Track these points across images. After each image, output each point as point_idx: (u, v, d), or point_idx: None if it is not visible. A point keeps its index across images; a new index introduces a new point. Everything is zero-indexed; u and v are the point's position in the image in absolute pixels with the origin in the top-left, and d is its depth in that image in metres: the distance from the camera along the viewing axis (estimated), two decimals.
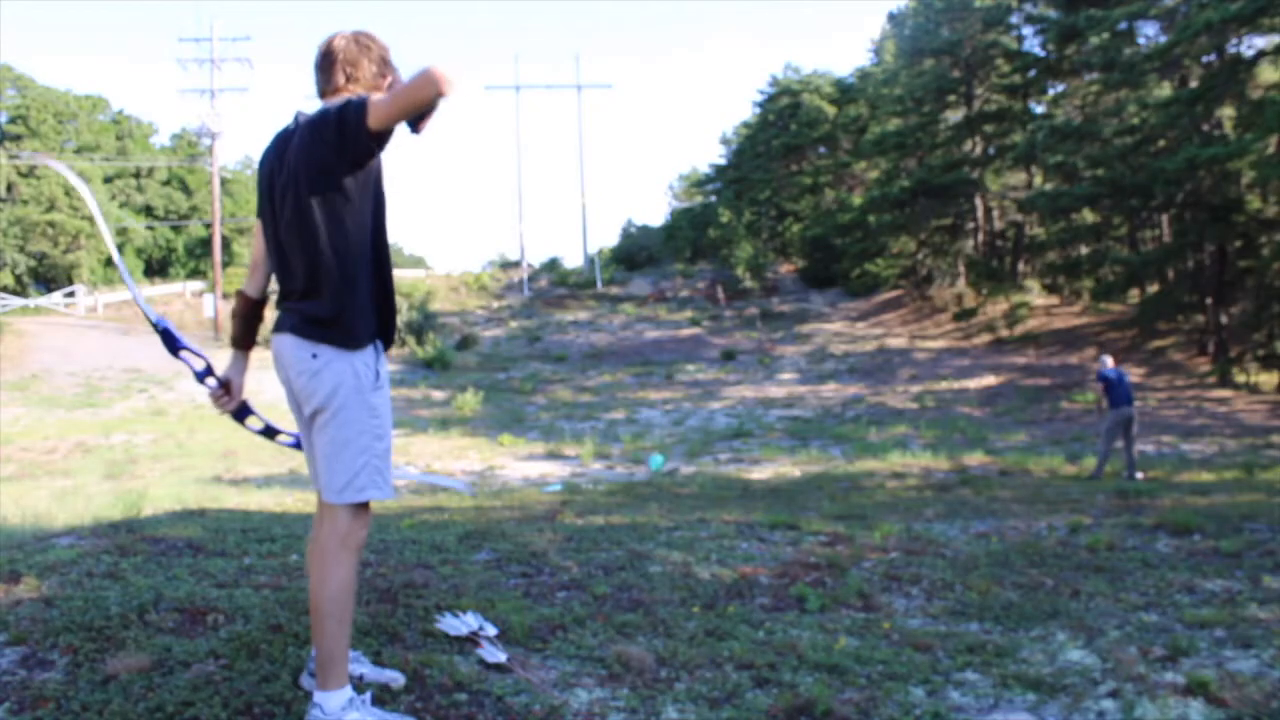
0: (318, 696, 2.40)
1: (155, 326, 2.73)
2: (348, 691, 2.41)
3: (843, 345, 30.20)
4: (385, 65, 2.62)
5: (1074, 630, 3.72)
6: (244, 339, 2.72)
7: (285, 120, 2.63)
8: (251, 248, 2.74)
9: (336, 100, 2.48)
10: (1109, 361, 12.48)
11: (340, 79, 2.56)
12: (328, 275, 2.42)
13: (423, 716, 2.62)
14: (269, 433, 2.93)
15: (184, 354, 2.73)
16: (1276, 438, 16.34)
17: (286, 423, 2.96)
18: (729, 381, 25.52)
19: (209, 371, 2.76)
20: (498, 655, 3.08)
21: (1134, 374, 24.52)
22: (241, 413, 2.81)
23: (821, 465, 13.74)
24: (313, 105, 2.60)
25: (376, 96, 2.36)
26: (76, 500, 10.76)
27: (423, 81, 2.21)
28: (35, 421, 19.03)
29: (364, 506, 2.49)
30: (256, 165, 2.74)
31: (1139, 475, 11.58)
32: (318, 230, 2.40)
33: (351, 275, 2.43)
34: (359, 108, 2.33)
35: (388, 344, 2.57)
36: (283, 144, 2.53)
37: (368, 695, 2.50)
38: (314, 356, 2.42)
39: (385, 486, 2.49)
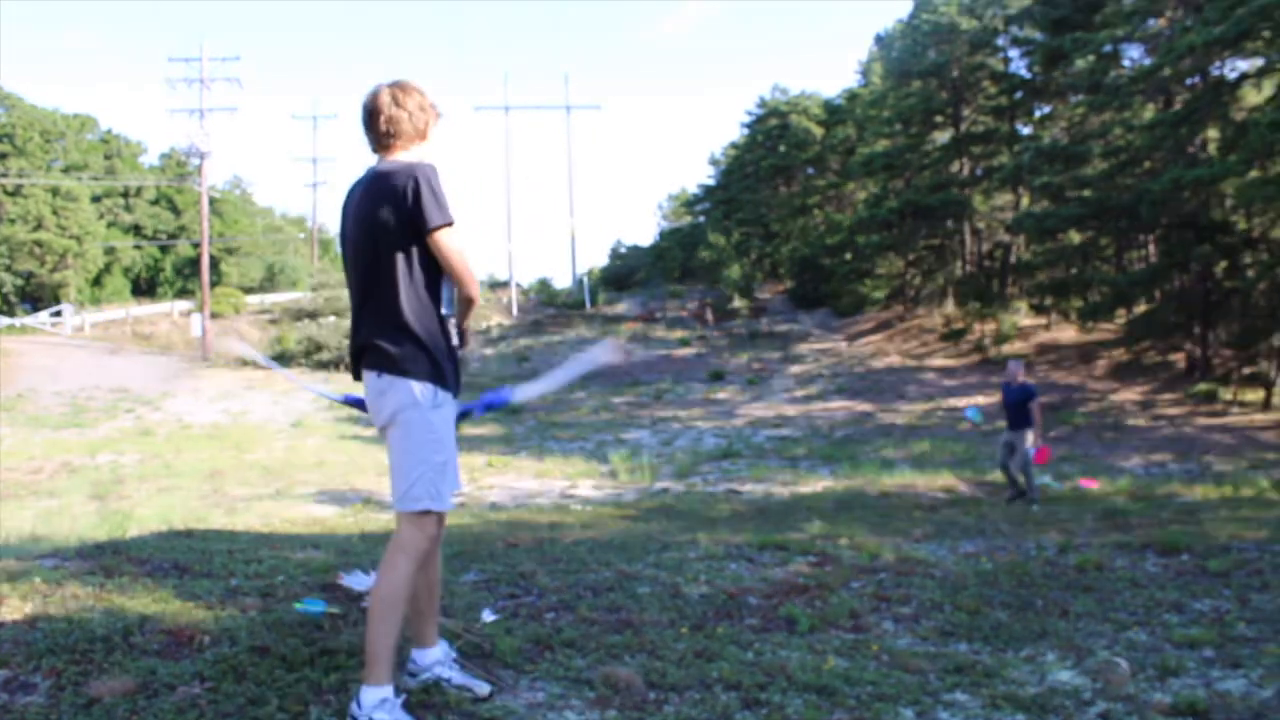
0: (361, 689, 2.59)
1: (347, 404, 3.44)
2: (385, 690, 2.58)
3: (832, 365, 30.25)
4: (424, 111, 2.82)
5: (1063, 650, 3.73)
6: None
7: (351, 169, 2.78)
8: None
9: (411, 175, 2.64)
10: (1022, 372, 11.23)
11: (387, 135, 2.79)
12: (395, 318, 2.67)
13: None
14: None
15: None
16: (1264, 456, 16.42)
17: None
18: (718, 402, 25.51)
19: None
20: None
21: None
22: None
23: (810, 485, 13.73)
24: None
25: (450, 235, 2.67)
26: (62, 520, 10.68)
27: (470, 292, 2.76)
28: (21, 441, 18.87)
29: (427, 518, 2.70)
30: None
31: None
32: (391, 282, 2.67)
33: (412, 320, 2.68)
34: (440, 217, 2.63)
35: (446, 378, 2.76)
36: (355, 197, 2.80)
37: (402, 698, 2.64)
38: (379, 375, 2.70)
39: (439, 499, 2.70)
